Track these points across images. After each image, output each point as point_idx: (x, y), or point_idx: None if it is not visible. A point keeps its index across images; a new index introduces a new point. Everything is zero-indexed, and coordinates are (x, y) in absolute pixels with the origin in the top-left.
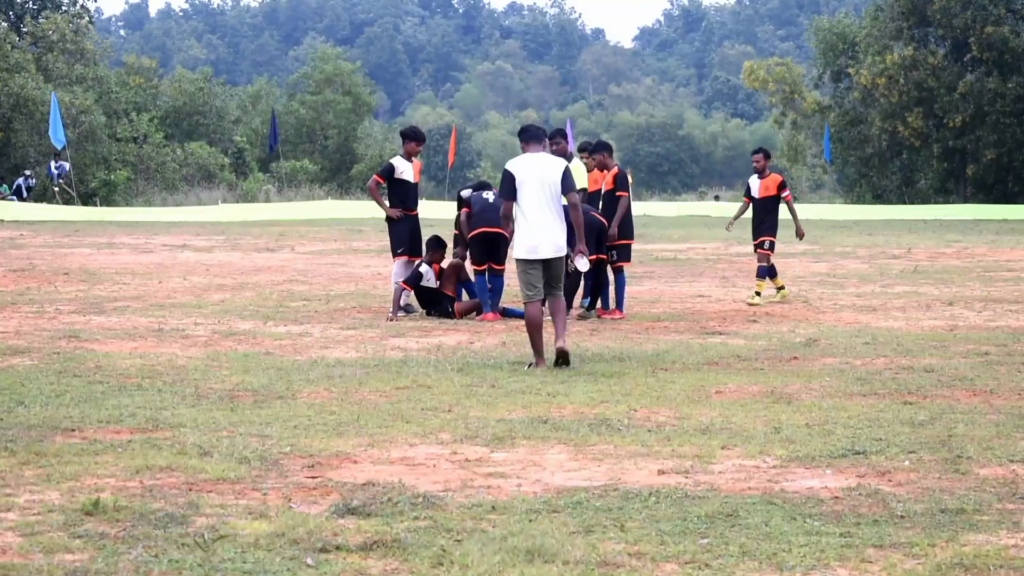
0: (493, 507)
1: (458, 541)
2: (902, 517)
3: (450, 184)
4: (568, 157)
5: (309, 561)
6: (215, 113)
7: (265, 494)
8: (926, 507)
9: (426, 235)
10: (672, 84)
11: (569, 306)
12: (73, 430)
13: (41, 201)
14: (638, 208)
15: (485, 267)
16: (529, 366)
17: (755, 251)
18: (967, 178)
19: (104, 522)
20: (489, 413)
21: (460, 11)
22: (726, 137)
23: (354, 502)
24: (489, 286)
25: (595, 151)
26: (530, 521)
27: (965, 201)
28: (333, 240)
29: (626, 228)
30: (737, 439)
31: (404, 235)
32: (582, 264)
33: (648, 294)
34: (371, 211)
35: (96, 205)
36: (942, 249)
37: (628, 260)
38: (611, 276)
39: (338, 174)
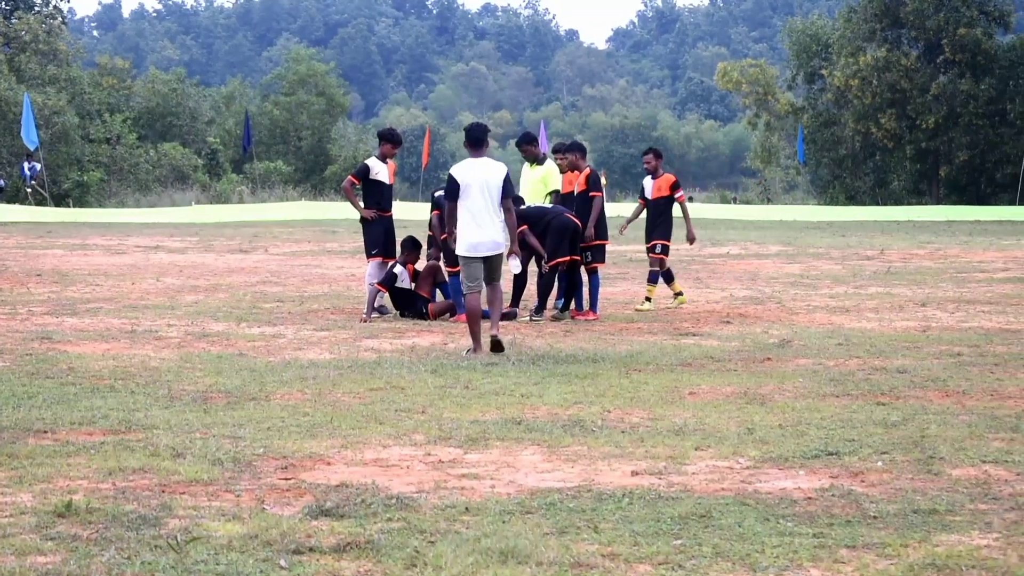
0: (467, 508)
1: (431, 542)
2: (875, 518)
3: (424, 185)
4: (541, 159)
5: (282, 563)
6: (188, 114)
7: (238, 496)
8: (899, 508)
9: (400, 236)
10: (646, 85)
11: (543, 307)
12: (46, 432)
13: (14, 202)
14: (612, 209)
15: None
16: (467, 352)
17: (647, 254)
18: (940, 179)
19: (77, 524)
20: (463, 414)
21: (434, 12)
22: (700, 138)
23: (327, 504)
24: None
25: (567, 152)
26: (504, 522)
27: (938, 202)
28: (307, 241)
29: (600, 229)
30: (711, 440)
31: (378, 236)
32: (515, 266)
33: (622, 295)
34: (345, 212)
35: (69, 206)
36: (915, 250)
37: (602, 261)
38: (585, 277)
39: (312, 175)
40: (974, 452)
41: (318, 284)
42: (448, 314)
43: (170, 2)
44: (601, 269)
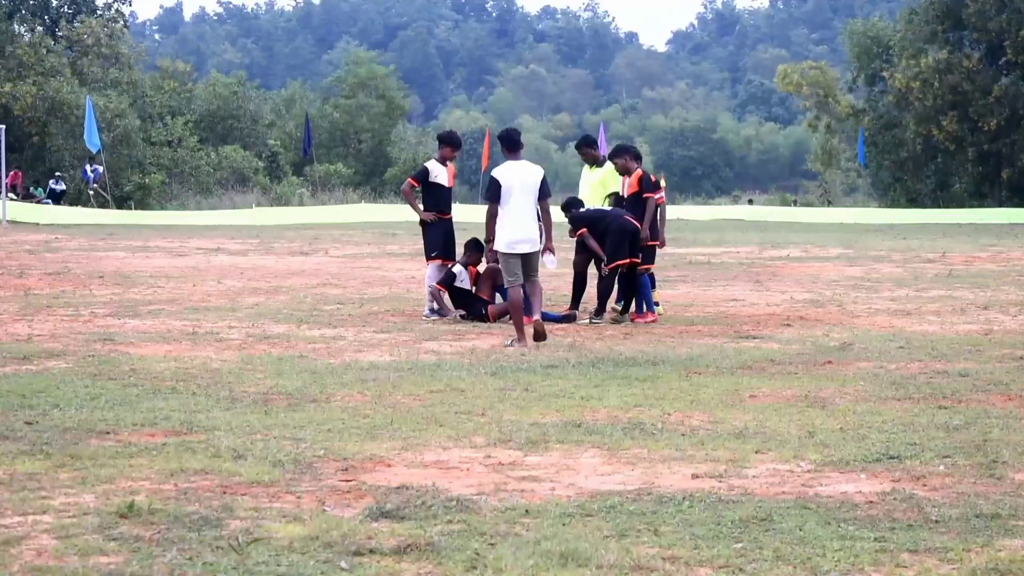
0: (527, 511)
1: (492, 545)
2: (937, 522)
3: (483, 188)
4: (601, 161)
5: (343, 564)
6: (249, 117)
7: (299, 497)
8: (961, 512)
9: (459, 239)
10: (706, 88)
11: (602, 310)
12: (108, 433)
13: (76, 205)
14: (672, 212)
15: None
16: (511, 342)
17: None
18: (1002, 182)
19: (139, 525)
20: (523, 417)
21: (494, 15)
22: (760, 141)
23: (388, 505)
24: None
25: (614, 156)
26: (564, 525)
27: (1000, 205)
28: (367, 244)
29: (652, 231)
30: (771, 443)
31: (438, 239)
32: (551, 262)
33: (682, 298)
34: (405, 215)
35: (131, 208)
36: (977, 253)
37: (652, 263)
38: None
39: (371, 178)
40: None
41: (378, 286)
42: (508, 316)
43: (231, 5)
44: (657, 271)
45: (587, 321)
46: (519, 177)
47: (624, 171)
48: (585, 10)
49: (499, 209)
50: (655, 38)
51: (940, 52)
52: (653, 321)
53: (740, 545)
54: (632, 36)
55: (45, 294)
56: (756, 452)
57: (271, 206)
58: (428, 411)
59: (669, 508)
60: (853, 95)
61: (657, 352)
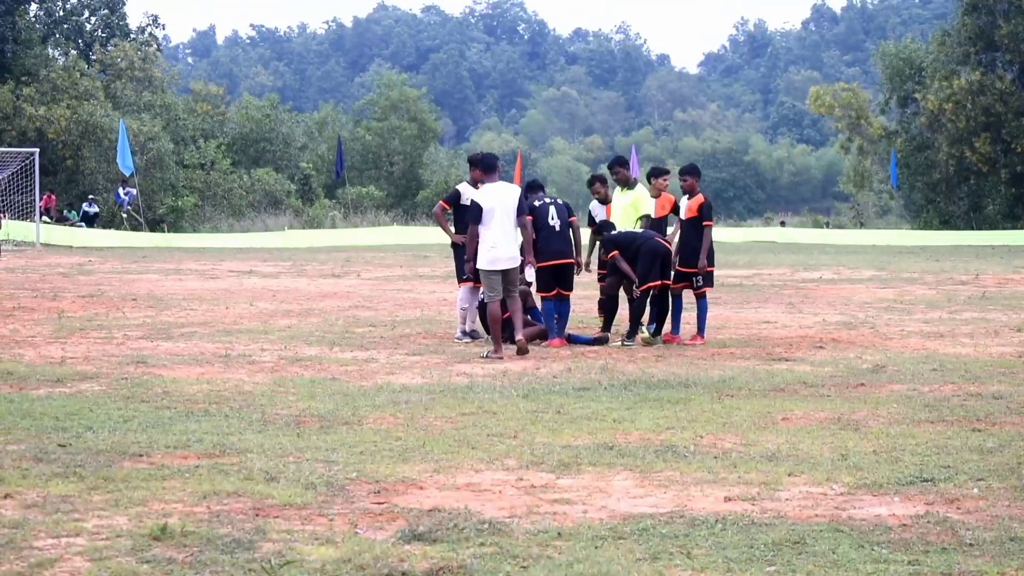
0: (559, 533)
1: (524, 567)
2: (971, 545)
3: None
4: (632, 184)
5: None
6: (281, 139)
7: (331, 520)
8: (995, 535)
9: None
10: (738, 110)
11: (634, 332)
12: (141, 455)
13: (109, 228)
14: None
15: (554, 293)
16: (487, 355)
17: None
18: None
19: (172, 547)
20: (555, 439)
21: (525, 37)
22: (792, 163)
23: (420, 528)
24: (556, 316)
25: (687, 173)
26: (596, 548)
27: None
28: (399, 266)
29: (709, 256)
30: (804, 466)
31: None
32: (529, 274)
33: (714, 320)
34: (437, 237)
35: (164, 231)
36: (1010, 275)
37: (711, 286)
38: (683, 300)
39: (404, 200)
40: None
41: (410, 309)
42: (539, 339)
43: (263, 28)
44: (688, 293)
45: (619, 344)
46: (498, 198)
47: (690, 192)
48: (617, 32)
49: (480, 230)
50: (687, 60)
51: (973, 74)
52: (700, 343)
53: (773, 568)
54: (664, 58)
55: (78, 317)
56: (789, 475)
57: (303, 228)
58: (460, 433)
59: (702, 531)
60: (885, 117)
61: (689, 374)
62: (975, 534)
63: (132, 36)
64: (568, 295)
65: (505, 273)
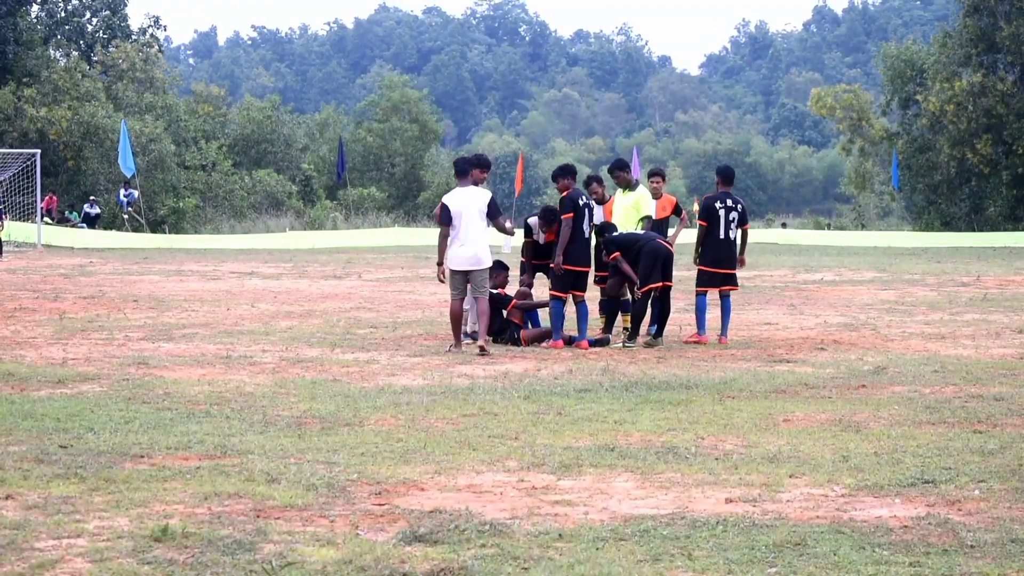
0: (560, 535)
1: (525, 569)
2: (972, 547)
3: (517, 212)
4: (633, 185)
5: None
6: (283, 141)
7: (332, 521)
8: (996, 537)
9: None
10: (739, 111)
11: (636, 334)
12: (142, 456)
13: (111, 229)
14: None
15: (567, 295)
16: (448, 348)
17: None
18: None
19: (173, 548)
20: (556, 441)
21: (527, 39)
22: (793, 164)
23: (421, 529)
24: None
25: (725, 177)
26: (597, 549)
27: None
28: (400, 267)
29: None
30: (805, 467)
31: None
32: (507, 246)
33: (715, 322)
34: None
35: (165, 232)
36: (1011, 276)
37: (736, 286)
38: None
39: (405, 201)
40: None
41: (411, 310)
42: (542, 340)
43: (265, 30)
44: (711, 295)
45: (620, 345)
46: (467, 202)
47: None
48: (618, 34)
49: (450, 231)
50: (688, 62)
51: (974, 75)
52: (702, 343)
53: (774, 570)
54: (665, 60)
55: (80, 318)
56: (790, 476)
57: (305, 230)
58: (461, 435)
59: (703, 532)
60: (887, 118)
61: (690, 376)
62: (976, 536)
63: (134, 37)
64: (582, 296)
65: (469, 274)
